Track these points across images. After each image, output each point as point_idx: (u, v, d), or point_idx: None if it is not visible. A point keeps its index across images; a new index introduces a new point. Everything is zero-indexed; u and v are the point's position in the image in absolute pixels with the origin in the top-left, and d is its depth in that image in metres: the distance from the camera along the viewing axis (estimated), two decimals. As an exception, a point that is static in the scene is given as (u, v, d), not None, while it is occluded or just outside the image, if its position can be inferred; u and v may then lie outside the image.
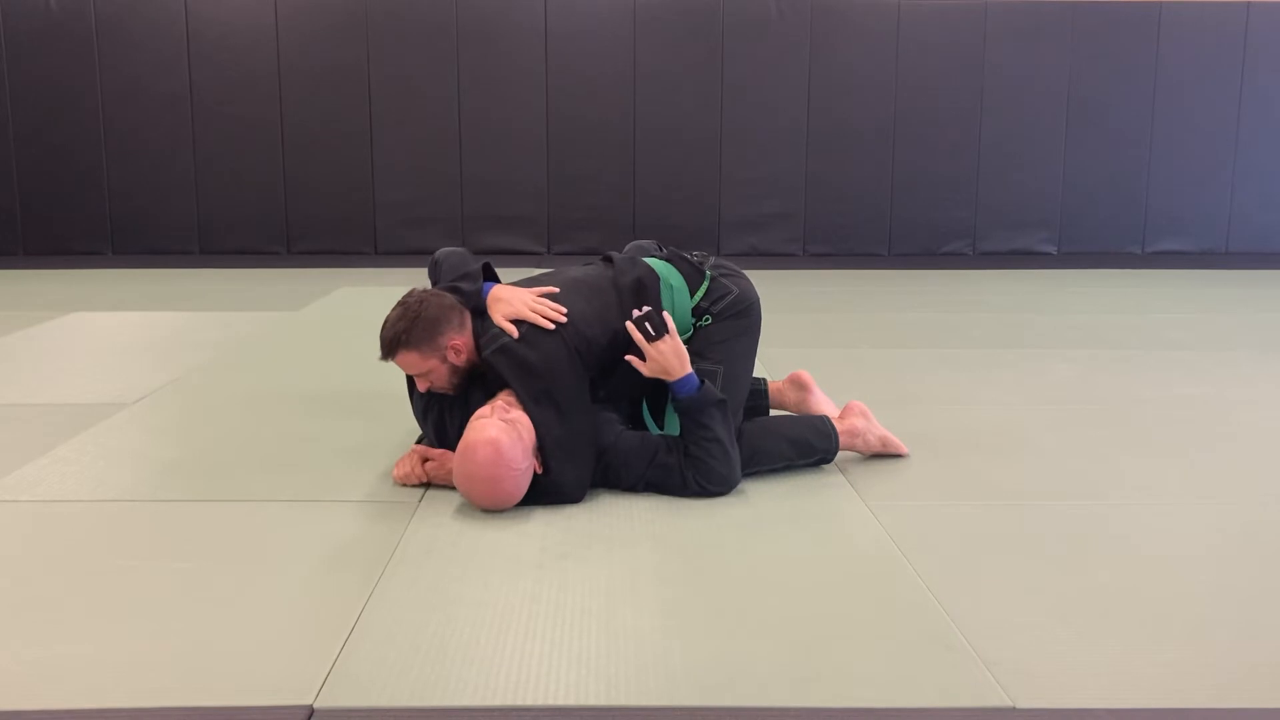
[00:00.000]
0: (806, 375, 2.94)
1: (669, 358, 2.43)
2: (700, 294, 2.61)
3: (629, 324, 2.43)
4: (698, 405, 2.43)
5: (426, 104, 7.11)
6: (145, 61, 7.00)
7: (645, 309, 2.45)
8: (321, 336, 4.69)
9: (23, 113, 7.03)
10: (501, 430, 2.29)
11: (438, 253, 2.69)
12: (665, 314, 2.45)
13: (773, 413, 2.94)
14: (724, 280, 2.65)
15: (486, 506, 2.36)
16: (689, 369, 2.45)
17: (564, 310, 2.46)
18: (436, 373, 2.49)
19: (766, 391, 2.95)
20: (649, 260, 2.67)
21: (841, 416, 2.78)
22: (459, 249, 2.73)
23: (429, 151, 7.16)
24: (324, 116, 7.09)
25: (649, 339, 2.41)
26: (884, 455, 2.79)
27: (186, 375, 3.81)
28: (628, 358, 2.47)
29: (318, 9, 7.02)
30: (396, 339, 2.45)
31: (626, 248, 2.82)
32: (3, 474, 2.64)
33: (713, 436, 2.44)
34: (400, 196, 7.20)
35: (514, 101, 7.12)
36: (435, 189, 7.20)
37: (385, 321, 2.48)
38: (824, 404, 2.90)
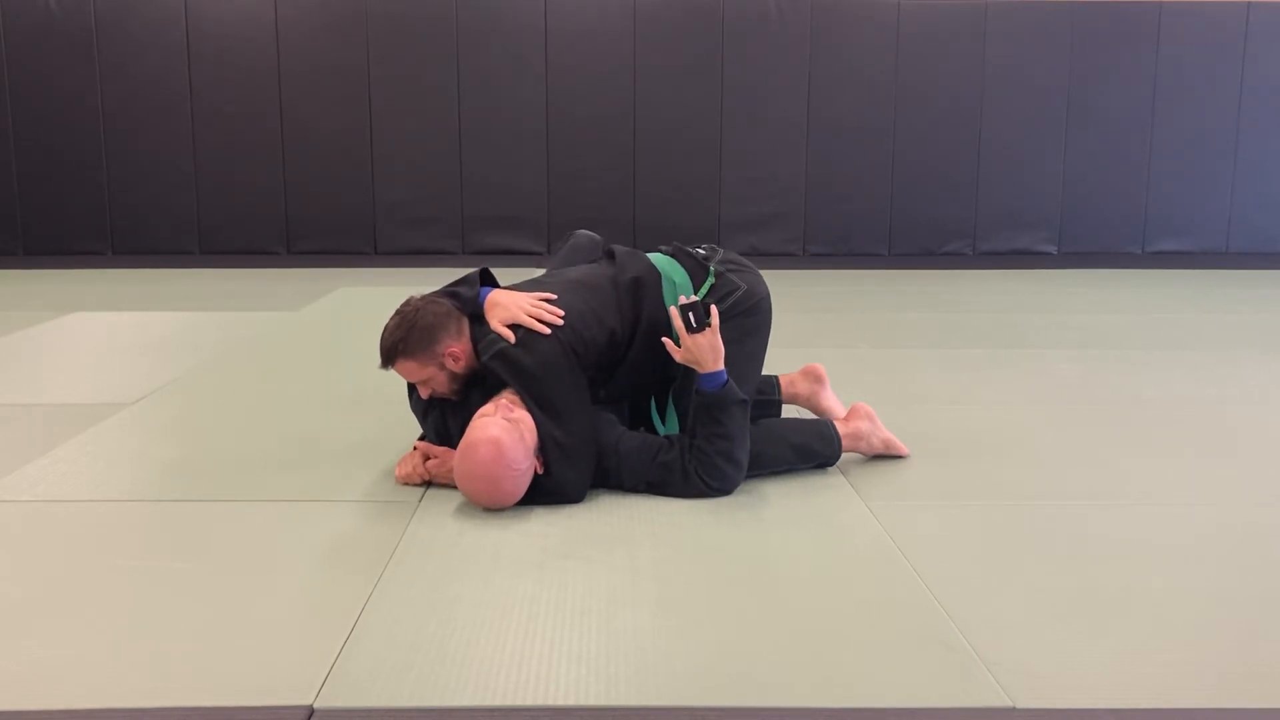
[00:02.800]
0: (820, 368, 2.91)
1: (704, 351, 2.40)
2: (704, 290, 2.58)
3: (673, 309, 2.42)
4: (720, 402, 2.42)
5: (426, 104, 7.10)
6: (145, 61, 7.00)
7: (693, 299, 2.44)
8: (321, 336, 4.69)
9: (23, 113, 7.02)
10: (504, 430, 2.29)
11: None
12: (713, 308, 2.42)
13: (784, 407, 2.93)
14: (730, 276, 2.61)
15: (486, 505, 2.37)
16: (721, 365, 2.43)
17: (561, 313, 2.45)
18: (436, 380, 2.50)
19: (778, 386, 2.93)
20: (652, 255, 2.65)
21: (847, 418, 2.77)
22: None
23: (429, 151, 7.15)
24: (324, 116, 7.09)
25: (689, 330, 2.39)
26: (885, 456, 2.79)
27: (186, 375, 3.81)
28: (664, 340, 2.46)
29: (318, 9, 7.02)
30: (394, 348, 2.47)
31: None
32: (3, 474, 2.64)
33: (725, 434, 2.43)
34: (400, 196, 7.20)
35: (514, 101, 7.12)
36: (435, 189, 7.20)
37: (384, 330, 2.49)
38: (834, 401, 2.89)
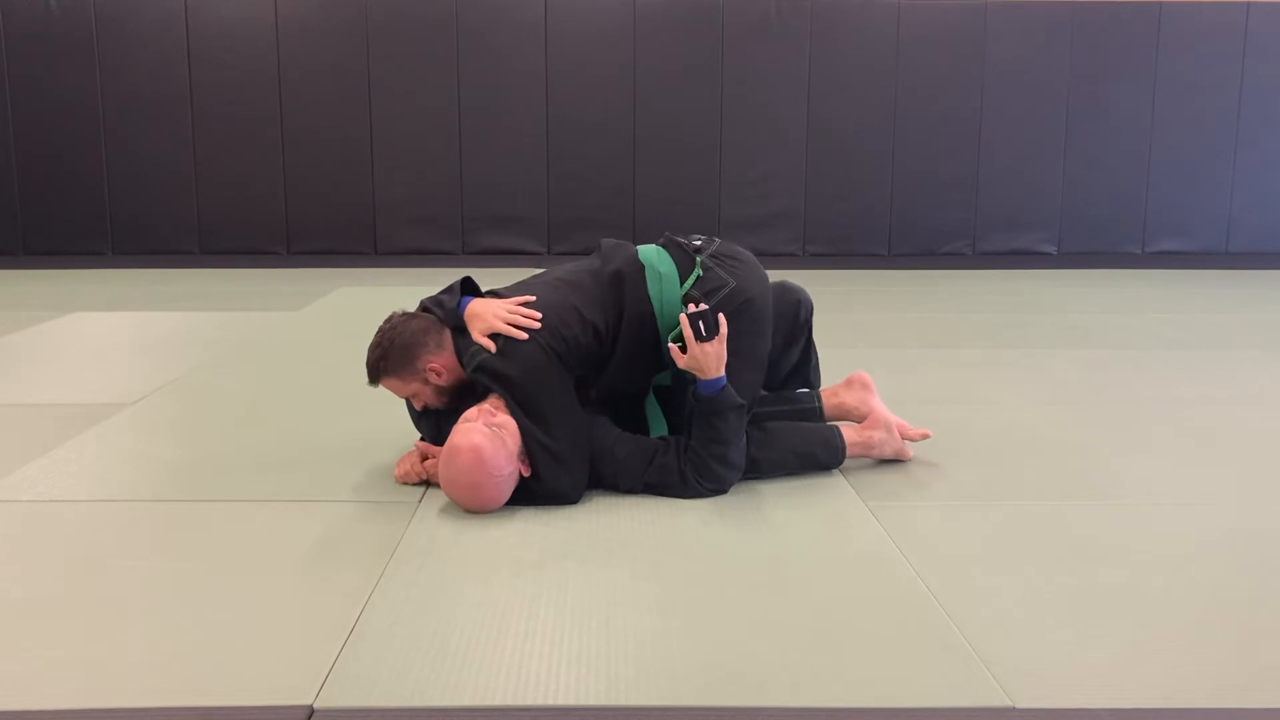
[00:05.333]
0: (867, 376, 2.82)
1: (710, 359, 2.38)
2: (690, 283, 2.52)
3: (683, 316, 2.38)
4: (716, 407, 2.40)
5: (426, 104, 7.10)
6: (145, 62, 7.00)
7: (703, 306, 2.41)
8: (321, 336, 4.69)
9: (23, 113, 7.02)
10: (485, 437, 2.29)
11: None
12: (721, 317, 2.39)
13: (829, 420, 2.83)
14: (719, 270, 2.53)
15: (469, 509, 2.36)
16: (722, 373, 2.41)
17: (538, 316, 2.43)
18: (422, 394, 2.52)
19: (819, 398, 2.83)
20: (641, 248, 2.61)
21: (863, 425, 2.73)
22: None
23: (429, 151, 7.15)
24: (324, 116, 7.09)
25: (698, 338, 2.36)
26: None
27: (186, 375, 3.81)
28: (670, 345, 2.42)
29: (318, 9, 7.02)
30: (375, 367, 2.50)
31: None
32: (3, 474, 2.64)
33: (721, 439, 2.42)
34: (400, 196, 7.20)
35: (514, 101, 7.12)
36: (435, 189, 7.20)
37: (368, 349, 2.51)
38: (884, 410, 2.79)
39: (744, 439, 2.48)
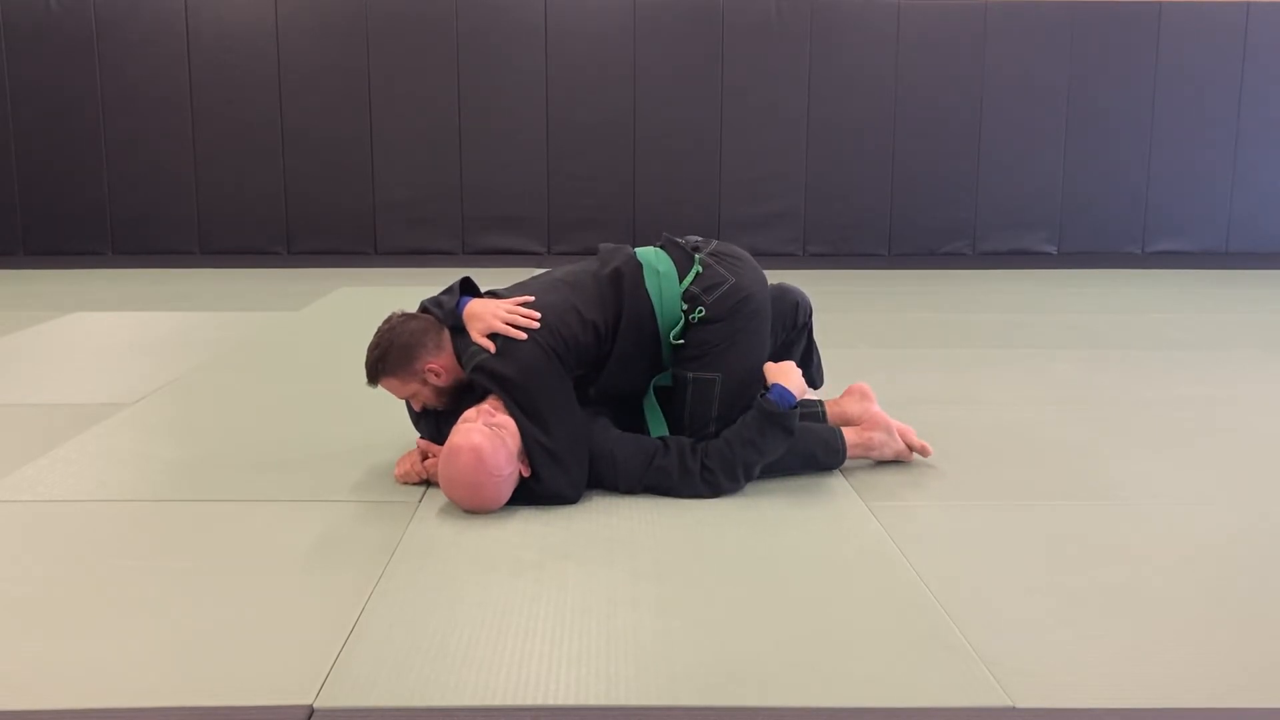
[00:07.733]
0: (867, 386, 2.83)
1: (795, 371, 2.53)
2: (689, 280, 2.54)
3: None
4: (775, 418, 2.43)
5: (426, 104, 7.10)
6: (145, 62, 7.00)
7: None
8: (321, 336, 4.69)
9: (23, 113, 7.02)
10: (485, 437, 2.29)
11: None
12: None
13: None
14: (718, 268, 2.55)
15: (469, 509, 2.37)
16: (804, 393, 2.53)
17: (536, 315, 2.44)
18: (421, 394, 2.52)
19: (820, 401, 2.84)
20: (640, 249, 2.62)
21: (864, 426, 2.73)
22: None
23: (429, 152, 7.15)
24: (324, 116, 7.09)
25: None
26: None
27: (186, 375, 3.81)
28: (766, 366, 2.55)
29: (318, 9, 7.02)
30: (374, 368, 2.50)
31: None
32: (3, 474, 2.64)
33: (760, 449, 2.45)
34: (400, 196, 7.20)
35: (514, 101, 7.12)
36: (435, 189, 7.20)
37: (367, 349, 2.51)
38: (880, 413, 2.80)
39: (766, 461, 2.50)
